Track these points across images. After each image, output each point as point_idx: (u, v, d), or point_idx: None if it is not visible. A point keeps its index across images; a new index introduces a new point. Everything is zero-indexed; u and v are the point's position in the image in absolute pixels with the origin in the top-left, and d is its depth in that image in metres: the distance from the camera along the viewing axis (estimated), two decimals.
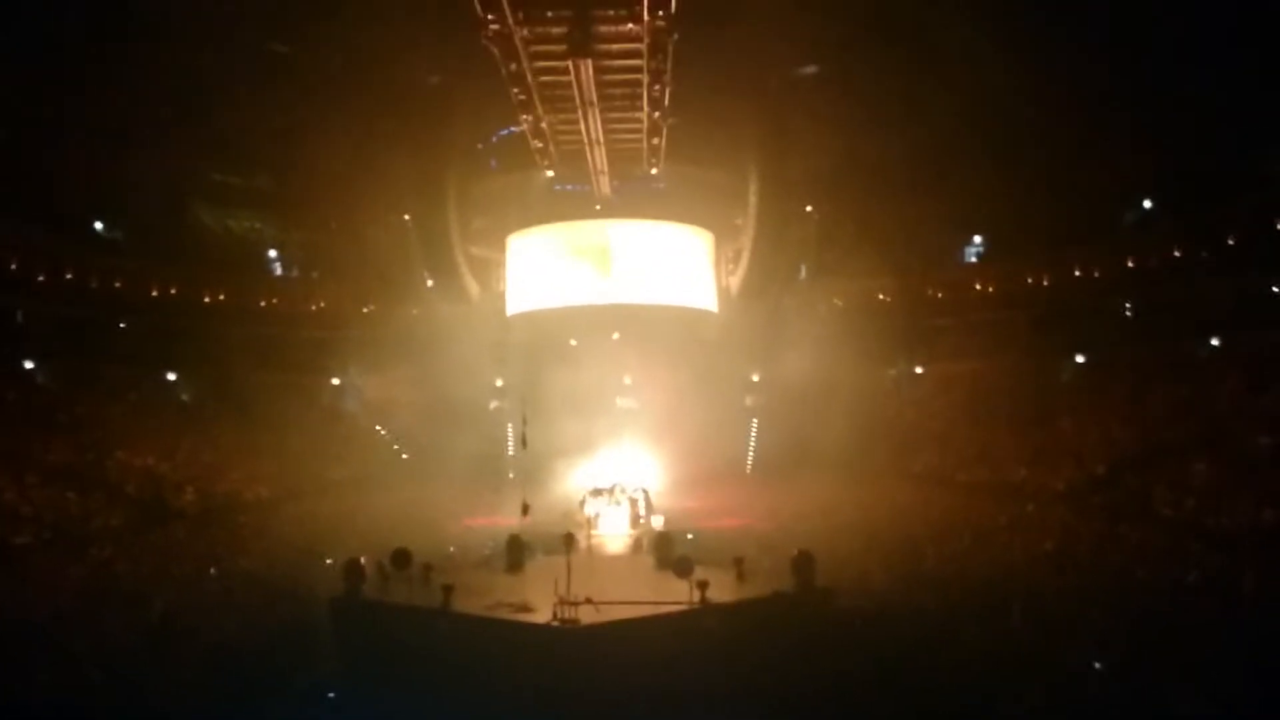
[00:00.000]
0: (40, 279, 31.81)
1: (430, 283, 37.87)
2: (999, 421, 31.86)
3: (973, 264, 39.82)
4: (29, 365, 30.90)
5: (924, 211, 36.21)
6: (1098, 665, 11.31)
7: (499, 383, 36.99)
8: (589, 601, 11.11)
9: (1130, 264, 33.47)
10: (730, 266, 39.39)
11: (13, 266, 30.93)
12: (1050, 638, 12.40)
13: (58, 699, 10.76)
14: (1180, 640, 11.81)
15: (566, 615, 11.04)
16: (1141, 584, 16.02)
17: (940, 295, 39.29)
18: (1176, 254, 32.00)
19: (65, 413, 29.30)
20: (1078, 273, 35.44)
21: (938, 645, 12.05)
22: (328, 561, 16.85)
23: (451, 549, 19.01)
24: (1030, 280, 36.77)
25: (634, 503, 22.89)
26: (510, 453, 33.47)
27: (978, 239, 39.53)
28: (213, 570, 18.95)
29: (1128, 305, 34.21)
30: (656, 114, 28.08)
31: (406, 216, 36.95)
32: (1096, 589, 15.51)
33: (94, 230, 35.27)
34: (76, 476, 25.45)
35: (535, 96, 26.68)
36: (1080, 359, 33.96)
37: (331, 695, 11.55)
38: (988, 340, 36.60)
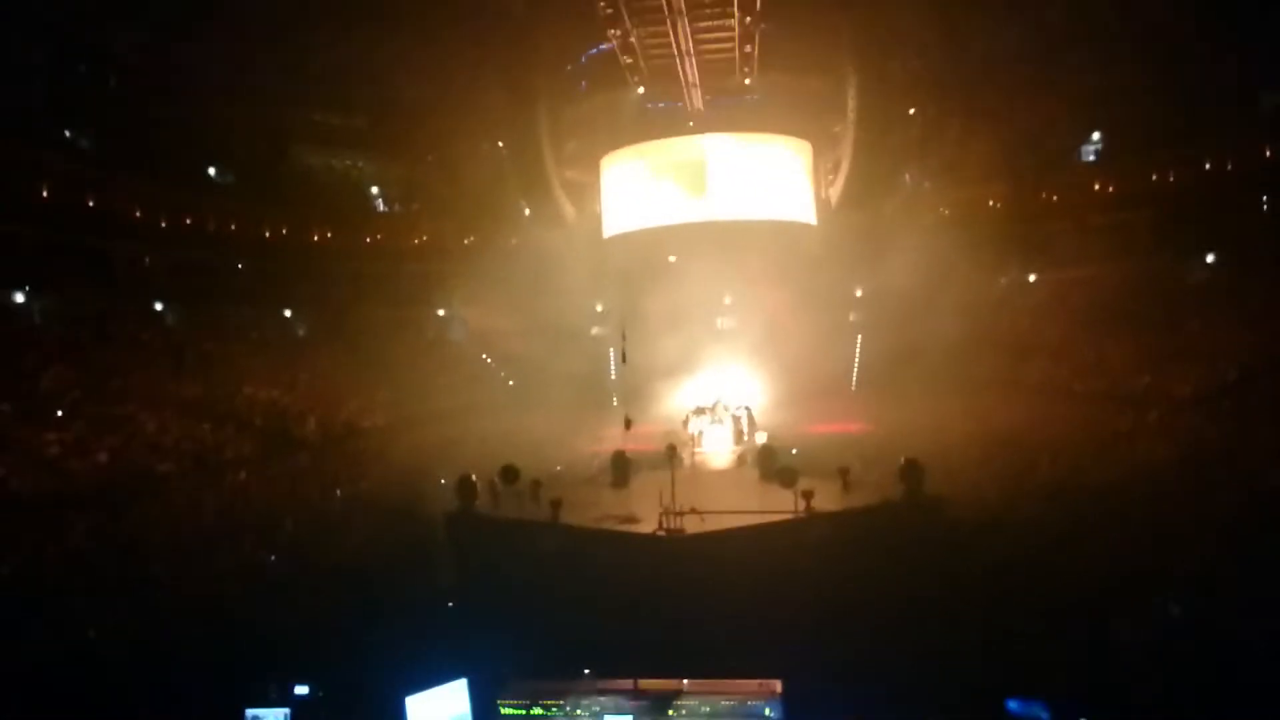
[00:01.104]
0: (161, 225, 33.44)
1: (527, 210, 38.15)
2: (1119, 328, 30.28)
3: (1090, 163, 37.54)
4: (158, 308, 32.77)
5: (1037, 110, 34.10)
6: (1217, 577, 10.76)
7: (599, 307, 37.20)
8: (693, 512, 11.22)
9: (1267, 155, 30.98)
10: (830, 177, 38.17)
11: (137, 214, 32.61)
12: (1171, 547, 11.89)
13: (196, 612, 11.59)
14: None
15: (672, 525, 11.19)
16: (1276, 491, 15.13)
17: (1056, 198, 37.28)
18: None
19: (193, 351, 31.02)
20: (1207, 167, 33.05)
21: (1049, 556, 11.71)
22: (441, 481, 17.48)
23: (559, 467, 19.44)
24: (1154, 178, 34.49)
25: (737, 420, 22.79)
26: (613, 376, 33.79)
27: (1096, 137, 37.18)
28: (338, 492, 19.94)
29: (1263, 199, 31.77)
30: (748, 19, 27.10)
31: (501, 144, 37.12)
32: (1223, 495, 14.76)
33: (207, 177, 36.81)
34: (208, 410, 27.04)
35: (623, 9, 26.13)
36: (1209, 259, 31.85)
37: (450, 604, 12.10)
38: (1107, 244, 34.65)
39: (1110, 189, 36.04)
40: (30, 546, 14.36)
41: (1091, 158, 37.66)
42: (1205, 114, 31.62)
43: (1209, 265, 31.95)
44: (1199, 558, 11.38)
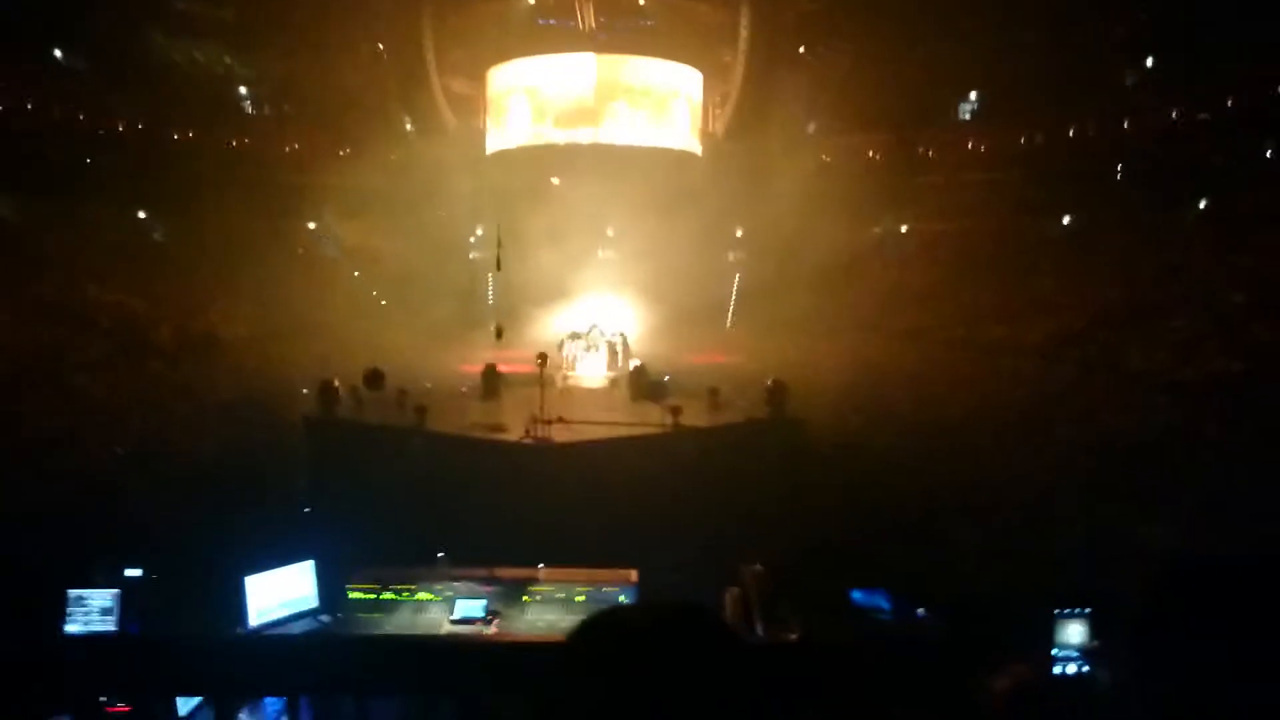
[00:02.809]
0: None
1: (409, 124, 36.63)
2: (981, 280, 31.82)
3: (967, 121, 38.89)
4: None
5: (921, 64, 34.99)
6: (1049, 501, 11.58)
7: (479, 230, 36.35)
8: (561, 420, 11.19)
9: (1125, 126, 32.85)
10: (717, 110, 38.18)
11: None
12: (1008, 477, 12.70)
13: (43, 516, 10.88)
14: (1136, 479, 12.11)
15: (540, 433, 11.13)
16: (1104, 429, 16.34)
17: (932, 153, 38.53)
18: (1173, 116, 31.47)
19: (36, 249, 28.67)
20: (1072, 133, 34.78)
21: (900, 475, 12.33)
22: (304, 391, 16.84)
23: (428, 385, 19.02)
24: (1024, 140, 36.06)
25: (611, 346, 22.82)
26: (490, 300, 33.22)
27: (974, 95, 38.46)
28: (191, 398, 19.00)
29: (1118, 167, 33.75)
30: None
31: (381, 47, 35.30)
32: (1058, 434, 15.84)
33: (53, 58, 33.62)
34: (51, 311, 25.15)
35: None
36: (1067, 220, 33.68)
37: (307, 510, 11.73)
38: (976, 200, 36.12)
39: (983, 147, 37.49)
40: None
41: (968, 116, 39.01)
42: (1077, 82, 33.19)
43: (1066, 225, 33.77)
44: (1030, 482, 12.22)
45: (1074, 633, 5.55)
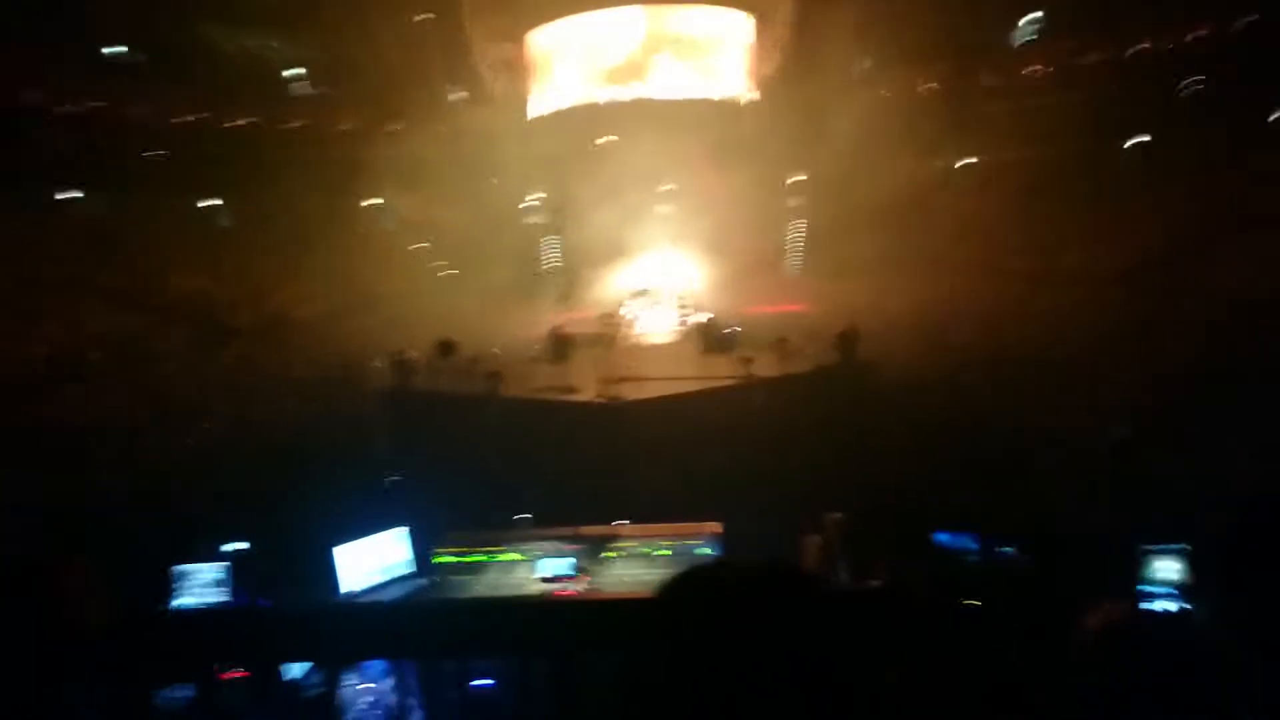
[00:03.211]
0: (68, 109, 31.49)
1: (455, 94, 36.69)
2: (1052, 209, 30.77)
3: (1027, 45, 37.34)
4: (69, 196, 31.10)
5: None
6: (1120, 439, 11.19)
7: (534, 195, 36.38)
8: (632, 378, 11.24)
9: (1188, 39, 31.26)
10: (771, 54, 37.31)
11: (39, 98, 30.62)
12: (1093, 411, 12.31)
13: (142, 495, 11.38)
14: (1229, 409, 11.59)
15: (611, 392, 11.20)
16: (1192, 357, 15.70)
17: (993, 81, 37.17)
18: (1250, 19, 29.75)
19: (112, 241, 29.70)
20: (1145, 46, 33.18)
21: (980, 414, 12.07)
22: (376, 364, 17.20)
23: (496, 350, 19.26)
24: (1088, 59, 34.53)
25: (677, 301, 22.81)
26: (550, 264, 33.35)
27: (1035, 16, 36.88)
28: (272, 376, 19.58)
29: (1182, 83, 32.14)
30: None
31: (421, 18, 35.29)
32: (1144, 364, 15.27)
33: (117, 58, 34.54)
34: (133, 300, 26.13)
35: None
36: (1137, 141, 32.27)
37: (394, 478, 12.02)
38: (1043, 126, 34.79)
39: (1048, 70, 36.02)
40: None
41: (1031, 38, 37.45)
42: None
43: (1136, 146, 32.36)
44: (1116, 415, 11.84)
45: (1168, 569, 5.40)
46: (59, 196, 31.05)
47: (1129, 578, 5.33)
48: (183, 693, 3.27)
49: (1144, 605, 5.20)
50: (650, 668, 1.20)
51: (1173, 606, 5.22)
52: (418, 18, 35.54)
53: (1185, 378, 13.48)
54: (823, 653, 1.17)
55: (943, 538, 6.72)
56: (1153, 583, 5.31)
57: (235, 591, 5.80)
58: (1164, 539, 5.44)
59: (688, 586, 1.27)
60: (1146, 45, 33.01)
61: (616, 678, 1.35)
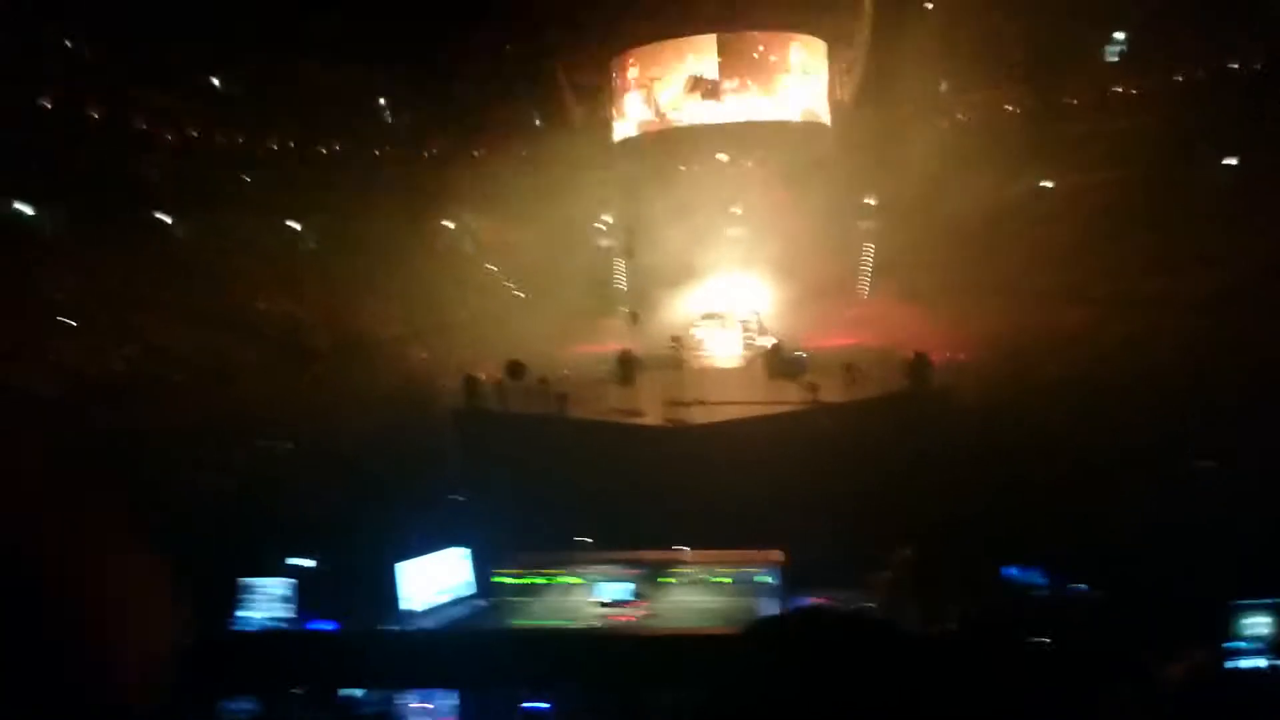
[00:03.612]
0: (169, 137, 33.07)
1: (536, 120, 37.46)
2: (1135, 233, 29.74)
3: (1112, 64, 36.36)
4: (165, 219, 32.54)
5: (1059, 6, 32.94)
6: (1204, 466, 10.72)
7: (608, 218, 36.79)
8: (699, 403, 11.22)
9: None
10: (844, 78, 37.15)
11: (142, 126, 32.24)
12: (1176, 446, 11.81)
13: (214, 509, 11.77)
14: None
15: (677, 416, 11.20)
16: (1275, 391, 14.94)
17: (1075, 101, 36.26)
18: None
19: (202, 263, 30.92)
20: (1232, 66, 32.01)
21: (1054, 446, 11.68)
22: (447, 384, 17.51)
23: (566, 371, 19.44)
24: (1174, 80, 33.45)
25: (744, 325, 22.72)
26: (621, 286, 33.57)
27: (1119, 35, 35.93)
28: (350, 397, 20.06)
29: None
30: None
31: (508, 48, 36.21)
32: (1231, 397, 14.60)
33: (214, 87, 36.17)
34: (220, 321, 27.11)
35: None
36: (1225, 163, 31.04)
37: (459, 498, 12.21)
38: (1126, 148, 33.77)
39: (1132, 91, 35.01)
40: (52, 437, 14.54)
41: (1115, 59, 36.47)
42: (1231, 12, 30.53)
43: (1226, 169, 31.14)
44: (1194, 447, 11.35)
45: (1258, 624, 5.08)
46: (155, 217, 32.49)
47: (1214, 627, 5.07)
48: (245, 705, 3.37)
49: (1231, 662, 4.93)
50: (724, 708, 1.21)
51: (1262, 663, 4.94)
52: (504, 47, 36.48)
53: (1273, 407, 12.85)
54: (903, 704, 1.17)
55: (1011, 572, 6.54)
56: (1242, 638, 5.03)
57: (300, 607, 5.92)
58: (1255, 592, 5.15)
59: (774, 630, 1.31)
60: (1234, 66, 31.81)
61: (687, 711, 1.38)
